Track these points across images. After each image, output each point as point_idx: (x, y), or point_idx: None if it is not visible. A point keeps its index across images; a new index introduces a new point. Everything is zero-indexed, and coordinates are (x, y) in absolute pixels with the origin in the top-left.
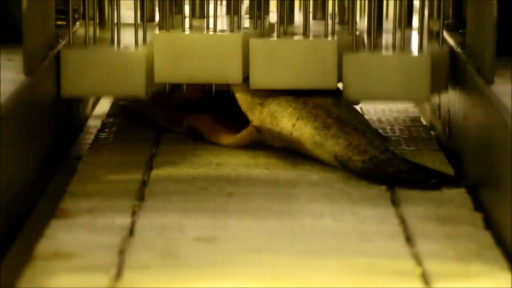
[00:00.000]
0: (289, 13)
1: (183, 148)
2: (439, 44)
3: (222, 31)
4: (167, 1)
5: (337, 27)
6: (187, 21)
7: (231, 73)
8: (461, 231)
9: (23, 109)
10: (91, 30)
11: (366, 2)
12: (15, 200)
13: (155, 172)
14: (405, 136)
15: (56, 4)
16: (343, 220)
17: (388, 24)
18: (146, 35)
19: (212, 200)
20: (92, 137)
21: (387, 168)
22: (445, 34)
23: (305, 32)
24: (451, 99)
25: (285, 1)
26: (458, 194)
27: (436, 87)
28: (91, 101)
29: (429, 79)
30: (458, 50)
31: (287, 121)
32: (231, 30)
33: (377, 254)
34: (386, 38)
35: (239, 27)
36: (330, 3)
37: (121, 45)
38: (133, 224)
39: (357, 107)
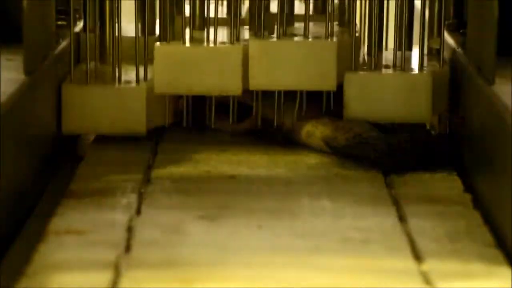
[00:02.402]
0: (289, 14)
1: (187, 134)
2: (439, 63)
3: (222, 43)
4: (168, 12)
5: (336, 28)
6: (187, 31)
7: (231, 85)
8: (451, 211)
9: (23, 109)
10: (91, 65)
11: (367, 20)
12: (15, 199)
13: (160, 157)
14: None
15: (56, 4)
16: (339, 201)
17: (388, 43)
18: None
19: (214, 182)
20: (91, 137)
21: (366, 146)
22: (446, 35)
23: (305, 33)
24: (451, 99)
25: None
26: (449, 176)
27: (437, 107)
28: None
29: (430, 100)
30: (459, 50)
31: (288, 115)
32: (231, 42)
33: (371, 232)
34: (386, 56)
35: (239, 39)
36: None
37: (122, 80)
38: (139, 203)
39: None
